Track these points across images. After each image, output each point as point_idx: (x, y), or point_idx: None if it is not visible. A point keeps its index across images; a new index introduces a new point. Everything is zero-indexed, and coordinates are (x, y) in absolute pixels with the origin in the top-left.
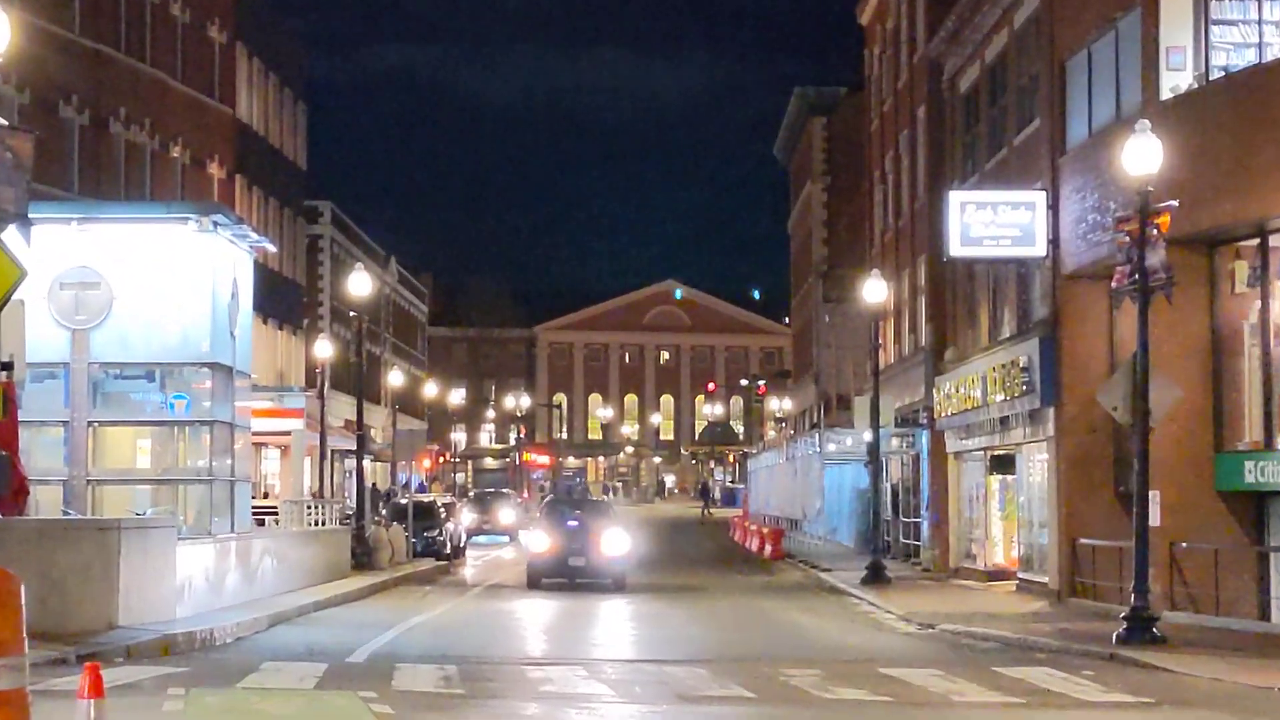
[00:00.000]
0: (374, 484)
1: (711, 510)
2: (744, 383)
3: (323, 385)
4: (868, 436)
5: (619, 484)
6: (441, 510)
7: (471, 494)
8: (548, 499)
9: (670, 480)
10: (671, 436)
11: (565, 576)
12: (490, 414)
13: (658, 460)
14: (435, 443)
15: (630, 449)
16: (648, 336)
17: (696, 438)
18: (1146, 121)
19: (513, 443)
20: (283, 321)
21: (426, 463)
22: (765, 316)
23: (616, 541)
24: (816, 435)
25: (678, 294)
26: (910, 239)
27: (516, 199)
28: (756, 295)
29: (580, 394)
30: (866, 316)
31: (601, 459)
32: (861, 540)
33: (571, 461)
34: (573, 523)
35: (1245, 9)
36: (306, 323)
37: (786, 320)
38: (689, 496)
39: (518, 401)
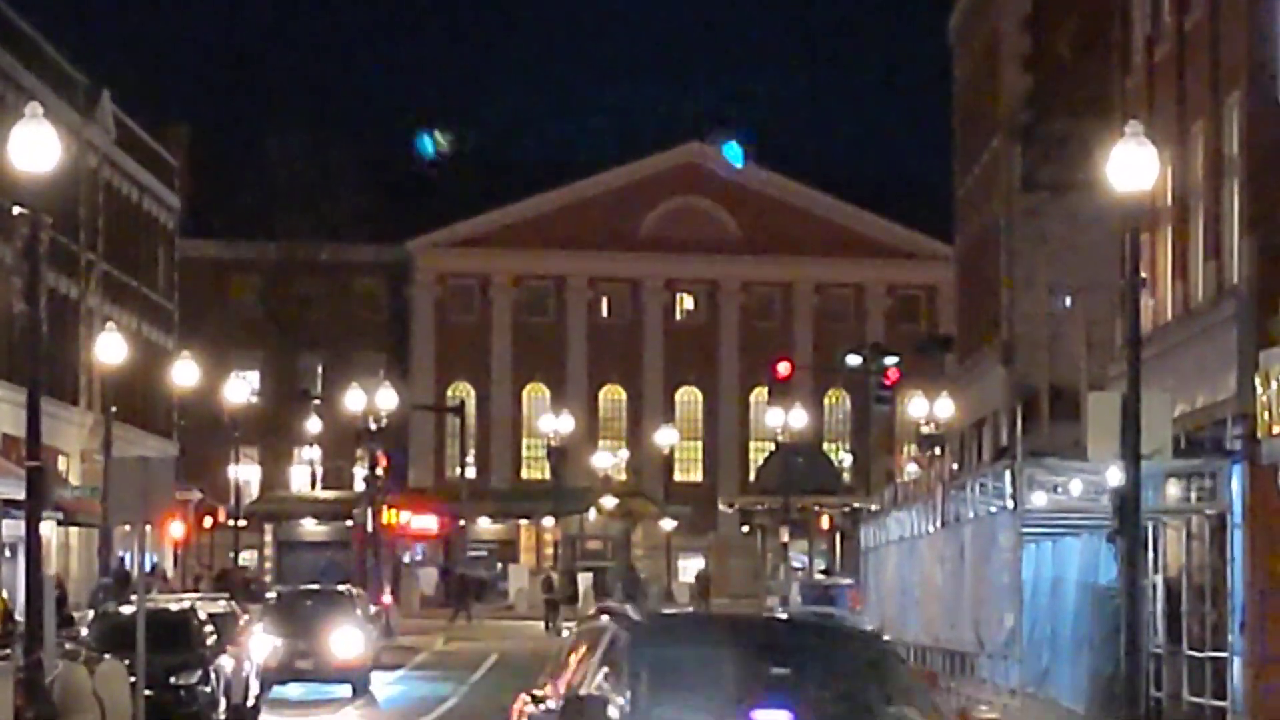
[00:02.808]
0: (117, 569)
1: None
2: (854, 361)
3: None
4: (1116, 477)
5: (588, 573)
6: (208, 629)
7: (274, 595)
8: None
9: (699, 566)
10: (699, 476)
11: None
12: (314, 425)
13: (669, 527)
14: (195, 486)
15: (612, 502)
16: (648, 262)
17: (753, 477)
18: None
19: (362, 486)
20: None
21: (178, 528)
22: (898, 222)
23: None
24: (1007, 474)
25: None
26: (1207, 59)
27: None
28: (882, 180)
29: (504, 384)
30: (1115, 223)
31: (547, 522)
32: (1102, 695)
33: (485, 526)
34: None
35: None
36: None
37: (945, 230)
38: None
39: (371, 400)
